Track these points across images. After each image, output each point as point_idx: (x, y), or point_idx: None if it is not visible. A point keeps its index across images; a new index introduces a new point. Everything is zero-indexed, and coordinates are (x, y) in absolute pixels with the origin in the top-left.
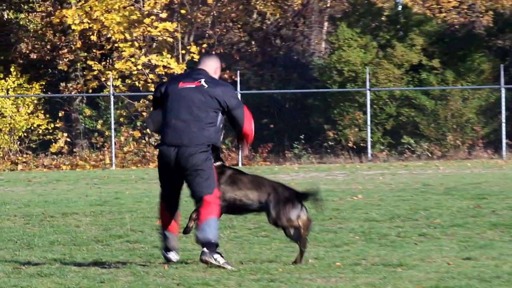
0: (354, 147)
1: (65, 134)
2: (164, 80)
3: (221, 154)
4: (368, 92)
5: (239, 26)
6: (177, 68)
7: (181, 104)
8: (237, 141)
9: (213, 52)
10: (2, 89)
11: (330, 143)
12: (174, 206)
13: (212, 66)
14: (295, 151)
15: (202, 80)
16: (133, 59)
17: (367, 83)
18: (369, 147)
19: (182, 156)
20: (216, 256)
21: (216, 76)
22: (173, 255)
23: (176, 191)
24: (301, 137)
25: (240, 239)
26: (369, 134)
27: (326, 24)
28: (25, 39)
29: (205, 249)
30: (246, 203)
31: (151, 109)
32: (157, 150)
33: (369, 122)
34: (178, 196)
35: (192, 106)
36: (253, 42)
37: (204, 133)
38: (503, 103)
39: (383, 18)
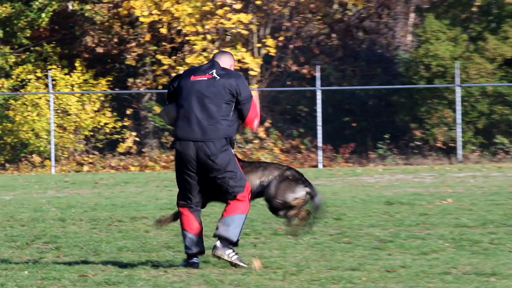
0: (443, 147)
1: (134, 133)
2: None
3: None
4: (458, 89)
5: (318, 17)
6: (253, 63)
7: (193, 97)
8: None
9: (291, 46)
10: (66, 85)
11: (417, 143)
12: (198, 209)
13: (227, 63)
14: (379, 151)
15: (214, 72)
16: (205, 53)
17: (457, 79)
18: (459, 147)
19: (205, 154)
20: (229, 251)
21: (229, 66)
22: (196, 260)
23: (197, 191)
24: (386, 136)
25: (321, 246)
26: (459, 134)
27: (412, 15)
28: (91, 32)
29: (218, 243)
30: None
31: (167, 103)
32: (174, 149)
33: (459, 121)
34: (200, 198)
35: (204, 99)
36: (333, 35)
37: (218, 126)
38: None
39: (474, 9)
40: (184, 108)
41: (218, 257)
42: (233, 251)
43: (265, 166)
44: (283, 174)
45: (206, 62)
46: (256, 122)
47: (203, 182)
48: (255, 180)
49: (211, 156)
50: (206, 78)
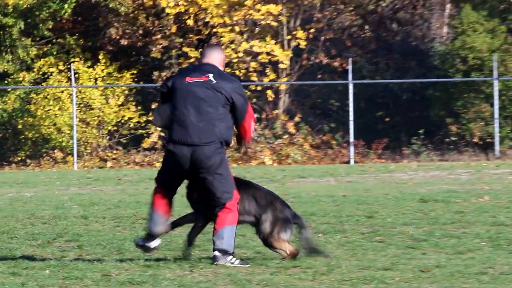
0: (480, 143)
1: (158, 128)
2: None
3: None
4: (495, 82)
5: (351, 8)
6: (282, 55)
7: (188, 99)
8: (236, 138)
9: (322, 38)
10: (90, 78)
11: (452, 138)
12: (172, 196)
13: (218, 59)
14: (413, 147)
15: (210, 75)
16: (233, 46)
17: (495, 72)
18: (496, 143)
19: (198, 158)
20: (229, 257)
21: (222, 68)
22: (154, 243)
23: (176, 189)
24: (420, 131)
25: (352, 245)
26: (496, 129)
27: (448, 6)
28: (115, 24)
29: (217, 253)
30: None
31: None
32: (166, 148)
33: (496, 115)
34: (175, 192)
35: (200, 102)
36: (366, 27)
37: (214, 129)
38: None
39: None
40: (179, 110)
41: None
42: (233, 256)
43: (254, 194)
44: (275, 211)
45: (235, 54)
46: (252, 131)
47: (184, 179)
48: (244, 204)
49: (204, 159)
50: (202, 80)
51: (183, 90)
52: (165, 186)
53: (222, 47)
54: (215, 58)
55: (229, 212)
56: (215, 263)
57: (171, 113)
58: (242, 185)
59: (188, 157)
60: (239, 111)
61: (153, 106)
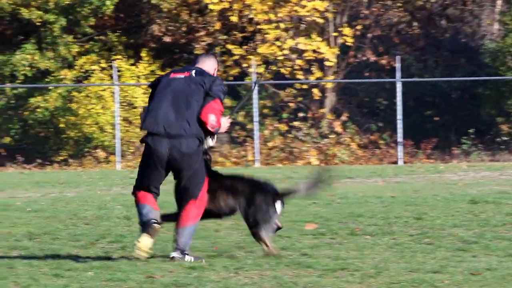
0: None
1: None
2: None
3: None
4: None
5: (399, 4)
6: (328, 53)
7: (166, 92)
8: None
9: (369, 35)
10: (132, 76)
11: (504, 138)
12: (156, 194)
13: (211, 66)
14: (463, 147)
15: (193, 72)
16: (278, 43)
17: None
18: None
19: (177, 152)
20: (187, 258)
21: (211, 72)
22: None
23: (159, 183)
24: (470, 131)
25: (401, 247)
26: None
27: (499, 2)
28: (158, 20)
29: (175, 253)
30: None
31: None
32: (144, 143)
33: None
34: (159, 187)
35: (178, 96)
36: (415, 23)
37: (187, 125)
38: None
39: None
40: (155, 102)
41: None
42: (188, 255)
43: (233, 185)
44: (255, 202)
45: (280, 51)
46: (212, 117)
47: (166, 172)
48: (225, 201)
49: (184, 155)
50: (183, 76)
51: (164, 85)
52: (144, 187)
53: (267, 44)
54: (208, 65)
55: (193, 208)
56: (171, 257)
57: (148, 105)
58: (219, 177)
59: (166, 150)
60: (208, 98)
61: None
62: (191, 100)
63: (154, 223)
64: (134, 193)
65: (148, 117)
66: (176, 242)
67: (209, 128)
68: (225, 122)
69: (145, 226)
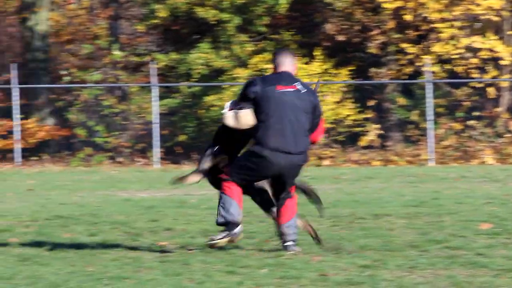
0: None
1: (376, 126)
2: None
3: None
4: None
5: None
6: (504, 52)
7: (284, 108)
8: None
9: None
10: (306, 75)
11: None
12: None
13: (292, 65)
14: None
15: (298, 85)
16: (453, 41)
17: None
18: None
19: (292, 165)
20: (296, 248)
21: (295, 72)
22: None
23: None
24: None
25: None
26: None
27: None
28: (332, 19)
29: (291, 243)
30: None
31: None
32: (262, 153)
33: None
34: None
35: (295, 111)
36: None
37: (306, 139)
38: None
39: None
40: (276, 118)
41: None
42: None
43: None
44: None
45: (455, 50)
46: (320, 137)
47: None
48: None
49: (297, 167)
50: (293, 90)
51: (278, 99)
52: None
53: (441, 43)
54: (290, 64)
55: (291, 207)
56: (288, 250)
57: (264, 120)
58: None
59: (285, 163)
60: (317, 119)
61: (370, 104)
62: (307, 115)
63: (237, 234)
64: (224, 183)
65: (272, 134)
66: (288, 235)
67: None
68: None
69: (231, 228)
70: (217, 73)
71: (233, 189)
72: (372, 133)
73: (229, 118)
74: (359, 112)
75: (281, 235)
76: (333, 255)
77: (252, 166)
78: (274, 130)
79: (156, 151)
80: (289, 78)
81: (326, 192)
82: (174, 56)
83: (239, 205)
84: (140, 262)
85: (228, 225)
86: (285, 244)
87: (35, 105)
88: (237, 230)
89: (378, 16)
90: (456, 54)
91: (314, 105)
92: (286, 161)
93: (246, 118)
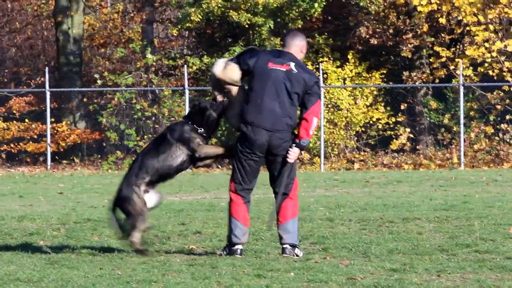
0: None
1: (408, 130)
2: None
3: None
4: None
5: None
6: None
7: (269, 85)
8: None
9: None
10: (338, 78)
11: None
12: (249, 198)
13: (297, 46)
14: None
15: (292, 65)
16: (487, 45)
17: None
18: None
19: (275, 143)
20: (296, 250)
21: (302, 54)
22: (239, 247)
23: (255, 179)
24: None
25: None
26: None
27: None
28: (366, 23)
29: (287, 246)
30: None
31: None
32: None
33: None
34: (254, 186)
35: (280, 91)
36: None
37: (286, 119)
38: None
39: None
40: (258, 93)
41: (288, 255)
42: (298, 248)
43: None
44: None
45: (489, 53)
46: (315, 120)
47: (261, 165)
48: None
49: (282, 144)
50: (284, 69)
51: (265, 75)
52: (240, 182)
53: (475, 46)
54: (295, 46)
55: (292, 200)
56: (284, 255)
57: (248, 94)
58: None
59: (267, 139)
60: (308, 99)
61: (402, 107)
62: (293, 94)
63: (240, 251)
64: (229, 194)
65: (252, 109)
66: (283, 238)
67: (307, 131)
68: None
69: (231, 248)
70: None
71: (238, 206)
72: (404, 136)
73: (219, 65)
74: (391, 115)
75: (278, 237)
76: (361, 258)
77: (239, 146)
78: (253, 105)
79: None
80: (286, 58)
81: (355, 196)
82: (207, 60)
83: (244, 223)
84: (168, 266)
85: (234, 246)
86: (282, 247)
87: (67, 108)
88: (239, 250)
89: (412, 19)
90: (490, 57)
91: (307, 84)
92: (267, 137)
93: (233, 71)
